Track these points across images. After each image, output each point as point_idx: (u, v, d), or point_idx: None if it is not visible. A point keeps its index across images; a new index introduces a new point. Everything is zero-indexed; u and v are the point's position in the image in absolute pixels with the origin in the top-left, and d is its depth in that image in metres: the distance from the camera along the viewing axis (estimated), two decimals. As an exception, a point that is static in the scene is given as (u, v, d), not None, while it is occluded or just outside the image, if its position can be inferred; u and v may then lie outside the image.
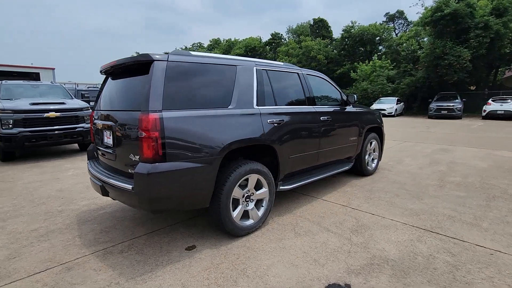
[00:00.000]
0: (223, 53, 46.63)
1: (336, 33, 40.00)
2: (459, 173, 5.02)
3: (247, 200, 2.90)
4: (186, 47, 58.43)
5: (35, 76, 34.25)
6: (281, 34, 44.00)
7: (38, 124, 6.55)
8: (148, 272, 2.32)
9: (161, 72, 2.33)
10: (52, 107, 6.84)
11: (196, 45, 59.08)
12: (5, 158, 6.62)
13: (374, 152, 5.06)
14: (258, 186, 3.01)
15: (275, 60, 34.85)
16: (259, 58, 41.53)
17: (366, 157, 4.82)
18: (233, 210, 2.77)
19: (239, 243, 2.74)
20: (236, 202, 2.81)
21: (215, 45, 54.27)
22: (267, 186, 3.03)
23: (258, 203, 3.05)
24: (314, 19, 38.01)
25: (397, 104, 20.26)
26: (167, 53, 2.48)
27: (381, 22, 33.89)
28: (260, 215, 2.99)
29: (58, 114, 6.82)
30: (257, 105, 2.98)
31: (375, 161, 5.10)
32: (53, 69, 38.15)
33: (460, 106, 16.91)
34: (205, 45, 57.74)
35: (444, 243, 2.67)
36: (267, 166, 3.14)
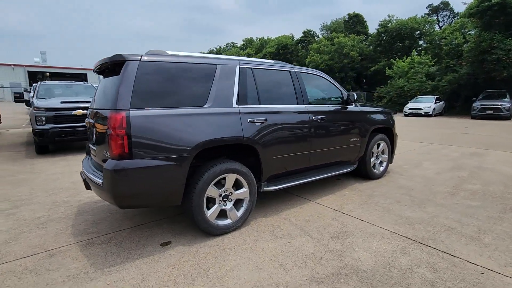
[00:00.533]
0: (256, 52, 46.85)
1: (372, 28, 38.22)
2: (481, 180, 4.52)
3: (224, 199, 2.89)
4: (220, 47, 59.81)
5: (83, 77, 37.54)
6: (314, 32, 43.06)
7: (67, 121, 7.14)
8: (118, 264, 2.42)
9: (131, 71, 2.40)
10: (80, 105, 7.41)
11: (229, 44, 60.13)
12: (40, 151, 7.31)
13: (382, 154, 4.74)
14: (238, 186, 2.98)
15: (306, 57, 34.24)
16: (290, 56, 41.10)
17: (372, 159, 4.54)
18: (209, 209, 2.78)
19: (213, 242, 2.75)
20: (212, 201, 2.82)
21: (248, 45, 54.74)
22: (247, 186, 2.99)
23: (238, 203, 3.02)
24: (349, 15, 36.66)
25: (435, 103, 18.77)
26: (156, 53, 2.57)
27: (423, 15, 31.57)
28: (239, 215, 2.97)
29: (85, 111, 7.37)
30: (238, 104, 2.95)
31: (384, 164, 4.78)
32: (98, 70, 41.25)
33: (509, 105, 15.16)
34: (238, 45, 58.53)
35: (430, 256, 2.42)
36: (253, 166, 3.10)
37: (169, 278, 2.21)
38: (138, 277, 2.24)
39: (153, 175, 2.41)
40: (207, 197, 2.76)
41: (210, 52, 59.32)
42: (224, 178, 2.84)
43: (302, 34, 43.99)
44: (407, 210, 3.40)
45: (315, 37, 41.85)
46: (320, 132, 3.64)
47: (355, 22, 36.32)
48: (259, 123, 3.03)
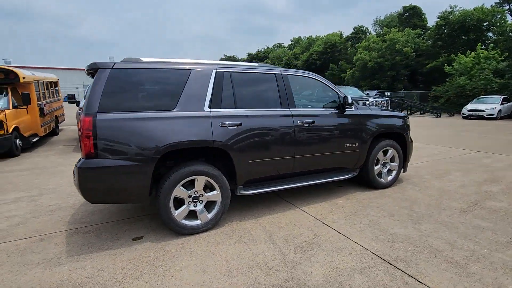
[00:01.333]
0: (302, 52, 46.14)
1: (431, 21, 34.65)
2: (512, 197, 3.84)
3: (194, 201, 2.97)
4: (267, 47, 60.19)
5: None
6: (365, 28, 40.69)
7: None
8: (88, 253, 2.66)
9: (102, 78, 2.62)
10: None
11: (276, 45, 60.15)
12: None
13: (391, 162, 4.33)
14: (211, 188, 3.04)
15: (354, 55, 32.49)
16: (338, 55, 39.45)
17: (377, 167, 4.18)
18: (177, 209, 2.88)
19: (179, 241, 2.85)
20: (182, 202, 2.92)
21: (295, 44, 54.18)
22: (219, 189, 3.03)
23: (211, 205, 3.07)
24: (404, 7, 33.77)
25: (502, 104, 16.30)
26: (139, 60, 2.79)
27: (493, 4, 27.55)
28: (209, 217, 3.02)
29: None
30: (211, 107, 3.00)
31: (394, 172, 4.36)
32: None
33: None
34: (286, 45, 58.27)
35: (391, 280, 2.18)
36: (231, 170, 3.12)
37: (122, 271, 2.36)
38: (97, 266, 2.44)
39: (117, 174, 2.59)
40: (176, 198, 2.87)
41: (257, 53, 60.07)
42: (194, 180, 2.91)
43: (353, 31, 41.92)
44: (396, 225, 3.08)
45: (367, 34, 39.50)
46: (306, 136, 3.49)
47: (411, 15, 33.31)
48: (233, 127, 3.04)
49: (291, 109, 3.44)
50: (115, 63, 2.73)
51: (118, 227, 3.19)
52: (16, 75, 7.15)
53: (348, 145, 3.81)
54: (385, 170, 4.30)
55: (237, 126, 3.06)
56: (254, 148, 3.17)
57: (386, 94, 22.63)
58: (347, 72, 33.13)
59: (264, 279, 2.23)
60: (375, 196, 3.96)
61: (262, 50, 60.07)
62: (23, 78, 7.39)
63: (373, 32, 39.46)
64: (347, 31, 43.85)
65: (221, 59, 77.02)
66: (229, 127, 3.02)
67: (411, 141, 4.55)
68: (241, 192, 3.22)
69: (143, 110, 2.73)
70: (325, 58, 39.85)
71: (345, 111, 3.84)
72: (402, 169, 4.49)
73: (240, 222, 3.25)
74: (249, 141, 3.13)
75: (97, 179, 2.57)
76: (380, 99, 12.90)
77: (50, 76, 10.48)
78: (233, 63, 3.33)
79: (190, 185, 2.94)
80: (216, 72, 3.12)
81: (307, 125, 3.49)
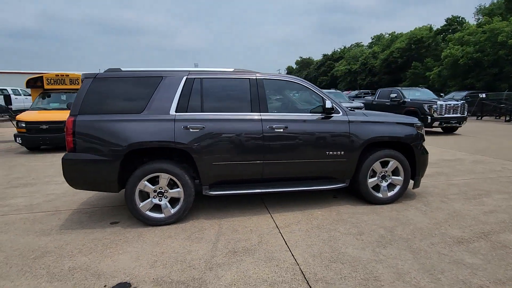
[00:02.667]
0: (383, 50, 42.37)
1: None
2: (552, 233, 2.93)
3: (160, 195, 3.28)
4: (344, 47, 57.44)
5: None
6: (462, 18, 34.73)
7: None
8: (72, 229, 3.25)
9: (86, 86, 3.17)
10: (348, 105, 9.28)
11: (354, 45, 56.81)
12: None
13: (393, 175, 3.80)
14: (176, 186, 3.30)
15: (443, 50, 28.12)
16: (426, 51, 34.69)
17: (373, 179, 3.73)
18: (143, 201, 3.24)
19: (140, 230, 3.19)
20: (147, 195, 3.27)
21: (376, 42, 50.21)
22: (182, 187, 3.26)
23: (176, 201, 3.33)
24: (516, -10, 27.56)
25: None
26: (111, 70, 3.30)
27: None
28: (172, 212, 3.28)
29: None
30: (177, 111, 3.25)
31: (396, 188, 3.81)
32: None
33: None
34: (365, 44, 54.53)
35: (292, 299, 2.03)
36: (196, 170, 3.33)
37: (81, 247, 2.83)
38: (68, 240, 2.97)
39: (90, 166, 3.10)
40: (142, 191, 3.23)
41: (333, 53, 57.92)
42: (158, 177, 3.23)
43: (445, 23, 36.37)
44: (354, 246, 2.75)
45: (463, 24, 33.73)
46: (277, 142, 3.41)
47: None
48: (196, 130, 3.23)
49: (262, 113, 3.43)
50: (97, 73, 3.25)
51: (110, 212, 3.74)
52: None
53: (331, 153, 3.55)
54: (385, 184, 3.80)
55: (200, 129, 3.24)
56: (217, 151, 3.29)
57: (480, 95, 19.01)
58: (433, 71, 28.99)
59: (176, 274, 2.36)
60: (363, 212, 3.56)
61: (338, 50, 57.66)
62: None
63: (474, 23, 33.41)
64: (438, 24, 38.17)
65: (296, 61, 77.39)
66: (191, 130, 3.22)
67: (425, 153, 3.89)
68: (206, 192, 3.38)
69: (116, 113, 3.17)
70: (408, 55, 35.78)
71: (330, 116, 3.58)
72: (414, 184, 3.89)
73: (205, 220, 3.42)
74: (212, 144, 3.27)
75: (75, 169, 3.13)
76: (453, 103, 10.95)
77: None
78: (207, 69, 3.51)
79: (156, 181, 3.26)
80: (186, 78, 3.36)
81: (279, 130, 3.41)
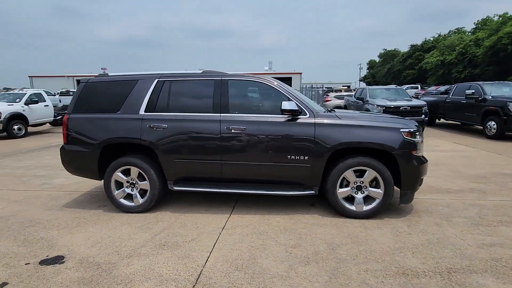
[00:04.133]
0: (489, 36, 34.86)
1: None
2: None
3: (132, 186, 3.69)
4: (439, 35, 49.58)
5: (288, 80, 44.62)
6: None
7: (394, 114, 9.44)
8: (69, 207, 3.94)
9: (80, 88, 3.78)
10: (402, 103, 9.72)
11: (452, 31, 48.31)
12: None
13: (371, 187, 3.30)
14: (145, 179, 3.65)
15: None
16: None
17: (345, 190, 3.33)
18: (118, 190, 3.70)
19: (114, 214, 3.64)
20: (122, 185, 3.71)
21: (482, 27, 41.58)
22: (148, 180, 3.59)
23: (145, 193, 3.68)
24: None
25: None
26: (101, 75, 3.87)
27: None
28: (140, 202, 3.65)
29: (408, 108, 9.60)
30: (146, 111, 3.58)
31: (376, 201, 3.30)
32: (300, 73, 47.41)
33: None
34: (468, 29, 45.82)
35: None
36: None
37: (61, 223, 3.44)
38: (59, 216, 3.64)
39: (76, 156, 3.71)
40: (117, 181, 3.69)
41: (424, 43, 50.67)
42: (129, 169, 3.63)
43: None
44: (275, 259, 2.57)
45: None
46: (234, 143, 3.39)
47: None
48: (160, 129, 3.49)
49: (222, 114, 3.45)
50: (89, 78, 3.83)
51: (105, 197, 4.37)
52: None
53: (292, 157, 3.33)
54: (360, 196, 3.34)
55: (163, 128, 3.49)
56: (178, 149, 3.49)
57: None
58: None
59: (101, 256, 2.67)
60: (324, 224, 3.24)
61: (431, 39, 50.03)
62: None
63: None
64: None
65: (380, 54, 70.45)
66: (155, 129, 3.50)
67: (418, 163, 3.24)
68: (171, 187, 3.63)
69: (99, 112, 3.69)
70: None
71: (297, 118, 3.35)
72: (400, 199, 3.32)
73: (169, 213, 3.67)
74: (173, 142, 3.48)
75: (68, 158, 3.79)
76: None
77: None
78: (177, 72, 3.72)
79: (129, 173, 3.67)
80: (157, 81, 3.65)
81: (237, 132, 3.38)
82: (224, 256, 2.63)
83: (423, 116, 9.71)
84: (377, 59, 72.05)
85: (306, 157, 3.31)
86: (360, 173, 3.32)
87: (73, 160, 3.79)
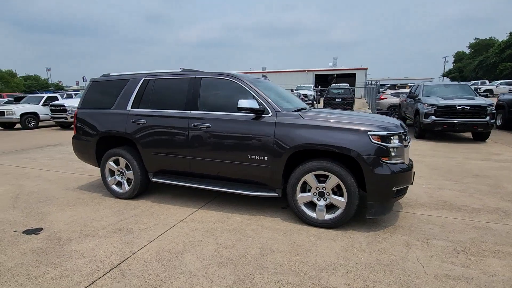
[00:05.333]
0: None
1: None
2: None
3: (121, 174, 4.12)
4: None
5: (352, 76, 42.06)
6: None
7: (448, 115, 8.25)
8: (79, 188, 4.60)
9: (88, 87, 4.37)
10: (459, 102, 8.26)
11: None
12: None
13: (334, 194, 2.98)
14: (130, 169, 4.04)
15: None
16: None
17: (305, 194, 3.10)
18: (111, 177, 4.18)
19: (106, 198, 4.12)
20: (113, 173, 4.17)
21: None
22: (132, 170, 3.96)
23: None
24: None
25: None
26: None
27: None
28: (127, 189, 4.05)
29: (467, 108, 8.10)
30: (132, 107, 3.93)
31: (338, 210, 2.97)
32: (366, 69, 44.03)
33: None
34: None
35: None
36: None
37: (63, 201, 4.06)
38: (67, 195, 4.29)
39: (81, 145, 4.30)
40: (110, 169, 4.16)
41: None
42: (119, 159, 4.06)
43: None
44: (198, 257, 2.56)
45: None
46: (200, 140, 3.47)
47: None
48: (140, 124, 3.81)
49: (191, 111, 3.57)
50: (96, 78, 4.38)
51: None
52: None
53: (253, 157, 3.24)
54: (322, 203, 3.05)
55: (143, 123, 3.79)
56: (153, 143, 3.75)
57: None
58: None
59: (67, 233, 3.08)
60: (279, 229, 3.07)
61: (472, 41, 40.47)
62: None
63: None
64: None
65: (471, 44, 60.19)
66: (136, 123, 3.82)
67: (393, 172, 2.79)
68: (151, 178, 3.93)
69: (98, 108, 4.21)
70: None
71: (261, 117, 3.25)
72: (372, 212, 2.93)
73: (149, 202, 3.96)
74: (150, 136, 3.76)
75: (76, 147, 4.42)
76: None
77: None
78: (160, 71, 3.95)
79: (119, 162, 4.10)
80: (143, 80, 3.96)
81: (202, 129, 3.46)
82: (158, 247, 2.76)
83: (487, 118, 8.07)
84: (467, 51, 61.89)
85: (265, 158, 3.19)
86: (325, 179, 3.04)
87: (79, 148, 4.41)
